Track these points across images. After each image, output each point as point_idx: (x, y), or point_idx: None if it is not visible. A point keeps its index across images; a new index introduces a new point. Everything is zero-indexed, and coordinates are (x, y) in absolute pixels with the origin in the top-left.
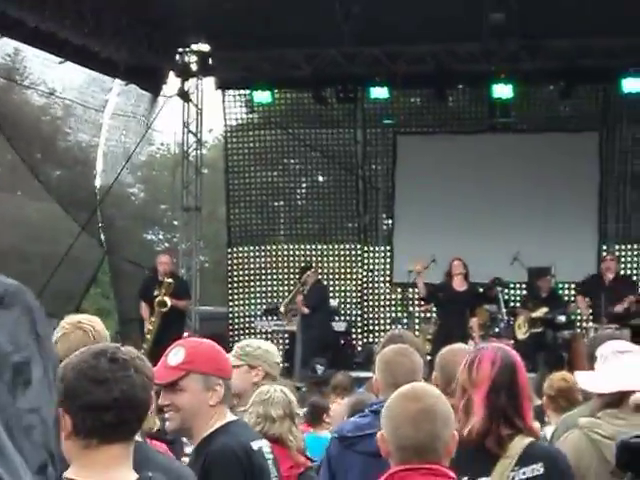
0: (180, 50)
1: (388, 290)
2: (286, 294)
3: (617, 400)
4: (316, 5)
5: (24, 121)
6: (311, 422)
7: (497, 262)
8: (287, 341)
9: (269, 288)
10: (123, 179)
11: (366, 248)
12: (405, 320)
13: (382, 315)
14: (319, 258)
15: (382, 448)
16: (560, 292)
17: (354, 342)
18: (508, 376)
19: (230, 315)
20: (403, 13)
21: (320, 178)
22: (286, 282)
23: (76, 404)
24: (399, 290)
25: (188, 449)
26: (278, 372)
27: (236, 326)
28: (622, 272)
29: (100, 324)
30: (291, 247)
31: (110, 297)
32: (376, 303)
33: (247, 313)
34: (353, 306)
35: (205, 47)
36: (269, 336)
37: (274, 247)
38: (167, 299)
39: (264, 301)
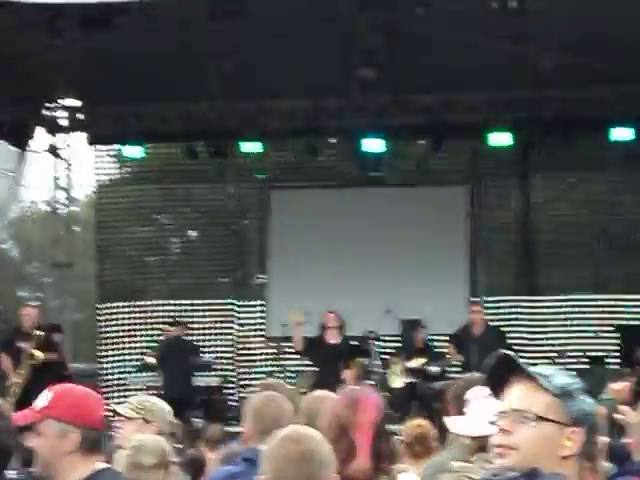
0: (48, 105)
1: (262, 344)
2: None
3: (489, 444)
4: (188, 60)
5: None
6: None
7: (370, 315)
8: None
9: (140, 344)
10: None
11: (240, 303)
12: (280, 374)
13: (256, 369)
14: (192, 313)
15: None
16: (432, 344)
17: (228, 397)
18: (386, 420)
19: (101, 372)
20: (275, 68)
21: (193, 233)
22: (157, 338)
23: None
24: (273, 344)
25: None
26: (170, 430)
27: (108, 383)
28: (492, 324)
29: None
30: (163, 302)
31: None
32: (250, 357)
33: (118, 370)
34: (227, 361)
35: (75, 102)
36: (142, 392)
37: (146, 303)
38: (38, 352)
39: (135, 357)
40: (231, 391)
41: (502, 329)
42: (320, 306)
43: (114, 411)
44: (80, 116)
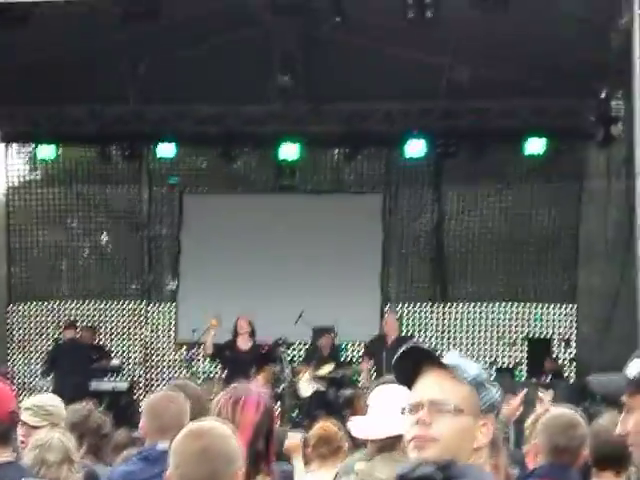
0: None
1: (172, 349)
2: None
3: (390, 444)
4: (102, 62)
5: None
6: None
7: (282, 321)
8: None
9: (49, 347)
10: None
11: (150, 306)
12: (189, 379)
13: (166, 374)
14: (102, 316)
15: None
16: (343, 351)
17: (136, 401)
18: (268, 422)
19: (8, 374)
20: (190, 73)
21: (104, 236)
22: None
23: None
24: (183, 349)
25: None
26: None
27: (17, 385)
28: (404, 332)
29: None
30: (73, 305)
31: None
32: (159, 362)
33: (27, 372)
34: (136, 365)
35: None
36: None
37: (56, 304)
38: None
39: (45, 359)
40: (140, 396)
41: (414, 337)
42: (231, 311)
43: (21, 421)
44: None
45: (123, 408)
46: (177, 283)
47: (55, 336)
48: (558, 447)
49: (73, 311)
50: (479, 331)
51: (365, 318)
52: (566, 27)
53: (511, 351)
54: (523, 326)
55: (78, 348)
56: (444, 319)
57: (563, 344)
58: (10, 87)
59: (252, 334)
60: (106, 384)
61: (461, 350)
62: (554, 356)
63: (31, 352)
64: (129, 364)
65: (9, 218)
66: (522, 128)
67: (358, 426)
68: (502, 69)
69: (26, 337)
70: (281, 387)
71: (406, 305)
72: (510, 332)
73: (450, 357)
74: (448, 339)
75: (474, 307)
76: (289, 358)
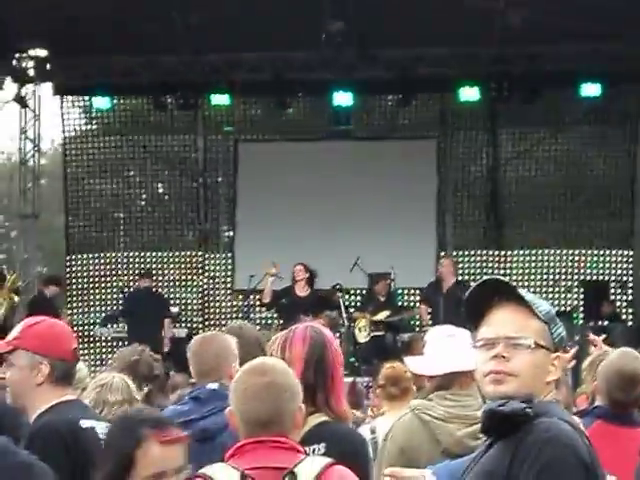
0: (17, 55)
1: (229, 297)
2: None
3: (447, 382)
4: (155, 13)
5: None
6: None
7: (339, 268)
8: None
9: (108, 296)
10: None
11: (207, 255)
12: None
13: (223, 322)
14: (159, 265)
15: (231, 422)
16: (399, 297)
17: None
18: (318, 352)
19: (69, 323)
20: (242, 21)
21: (160, 186)
22: (125, 290)
23: None
24: (240, 297)
25: None
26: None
27: (76, 334)
28: (460, 278)
29: None
30: (130, 255)
31: None
32: (217, 310)
33: (86, 321)
34: (194, 313)
35: (43, 52)
36: (109, 343)
37: (113, 254)
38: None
39: (103, 309)
40: None
41: (470, 283)
42: (287, 259)
43: None
44: (48, 66)
45: (183, 354)
46: (233, 231)
47: (114, 285)
48: (617, 401)
49: (130, 260)
50: (535, 276)
51: (420, 264)
52: None
53: (567, 295)
54: (579, 271)
55: (151, 296)
56: (499, 265)
57: (620, 288)
58: (64, 39)
59: (309, 281)
60: (169, 331)
61: None
62: (611, 299)
63: (90, 301)
64: (187, 312)
65: (66, 169)
66: (577, 72)
67: (416, 363)
68: (556, 13)
69: (85, 286)
70: (338, 333)
71: (461, 251)
72: (566, 277)
73: (523, 292)
74: None
75: (529, 252)
76: (346, 304)
